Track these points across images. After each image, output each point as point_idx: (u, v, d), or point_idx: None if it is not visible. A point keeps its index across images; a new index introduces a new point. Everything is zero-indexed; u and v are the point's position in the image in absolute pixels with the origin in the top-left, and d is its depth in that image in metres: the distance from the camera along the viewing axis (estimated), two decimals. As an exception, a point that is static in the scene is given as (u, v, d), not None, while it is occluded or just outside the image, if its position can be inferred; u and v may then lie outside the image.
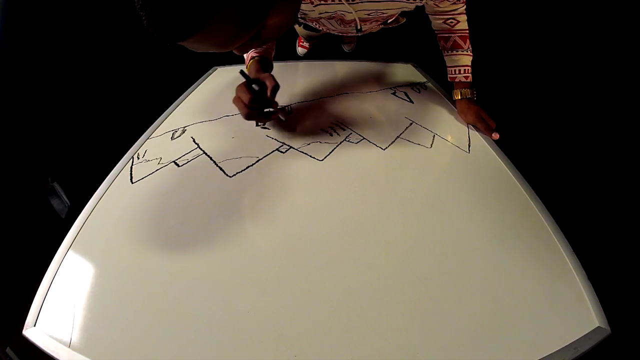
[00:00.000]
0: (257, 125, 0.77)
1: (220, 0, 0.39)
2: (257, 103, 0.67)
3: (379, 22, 0.83)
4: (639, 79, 0.89)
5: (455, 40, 0.79)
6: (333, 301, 0.47)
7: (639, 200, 0.87)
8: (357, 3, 0.67)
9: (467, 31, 0.79)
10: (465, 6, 0.76)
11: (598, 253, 0.69)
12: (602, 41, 0.97)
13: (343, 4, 0.67)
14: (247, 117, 0.68)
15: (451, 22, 0.77)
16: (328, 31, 0.86)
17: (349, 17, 0.74)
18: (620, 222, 0.89)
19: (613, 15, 0.92)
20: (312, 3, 0.68)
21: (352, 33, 0.84)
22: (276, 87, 0.67)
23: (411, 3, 0.70)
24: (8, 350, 0.83)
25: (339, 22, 0.79)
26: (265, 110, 0.71)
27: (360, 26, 0.78)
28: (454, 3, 0.73)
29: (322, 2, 0.67)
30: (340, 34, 0.86)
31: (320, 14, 0.73)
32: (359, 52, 1.15)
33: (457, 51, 0.80)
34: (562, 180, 0.94)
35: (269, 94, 0.67)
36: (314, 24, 0.85)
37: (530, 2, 1.10)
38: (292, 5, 0.51)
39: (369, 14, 0.73)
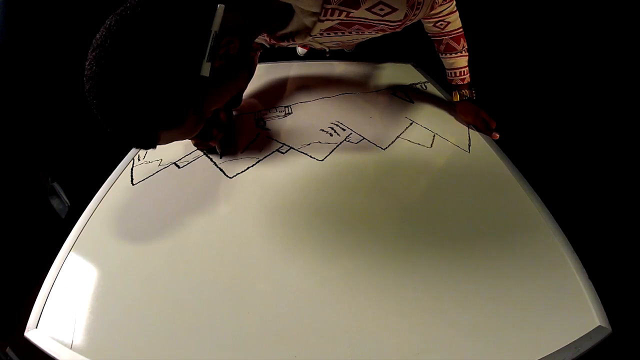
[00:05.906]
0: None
1: (158, 124, 0.46)
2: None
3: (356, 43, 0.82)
4: (639, 79, 0.89)
5: (447, 43, 0.77)
6: (333, 301, 0.47)
7: (639, 199, 0.87)
8: (317, 38, 0.64)
9: (461, 30, 0.76)
10: (453, 4, 0.71)
11: (598, 252, 0.69)
12: (602, 41, 0.97)
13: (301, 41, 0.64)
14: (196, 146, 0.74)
15: (440, 24, 0.74)
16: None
17: (317, 46, 0.73)
18: (621, 221, 0.89)
19: (613, 15, 0.92)
20: (266, 41, 0.66)
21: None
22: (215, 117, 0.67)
23: (374, 34, 0.65)
24: (8, 350, 0.83)
25: (310, 48, 0.80)
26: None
27: (329, 49, 0.78)
28: (440, 4, 0.68)
29: (280, 42, 0.65)
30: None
31: (288, 45, 0.71)
32: (359, 52, 1.15)
33: (450, 54, 0.78)
34: (562, 179, 0.94)
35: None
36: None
37: (529, 1, 1.10)
38: (222, 84, 0.51)
39: (336, 44, 0.71)
